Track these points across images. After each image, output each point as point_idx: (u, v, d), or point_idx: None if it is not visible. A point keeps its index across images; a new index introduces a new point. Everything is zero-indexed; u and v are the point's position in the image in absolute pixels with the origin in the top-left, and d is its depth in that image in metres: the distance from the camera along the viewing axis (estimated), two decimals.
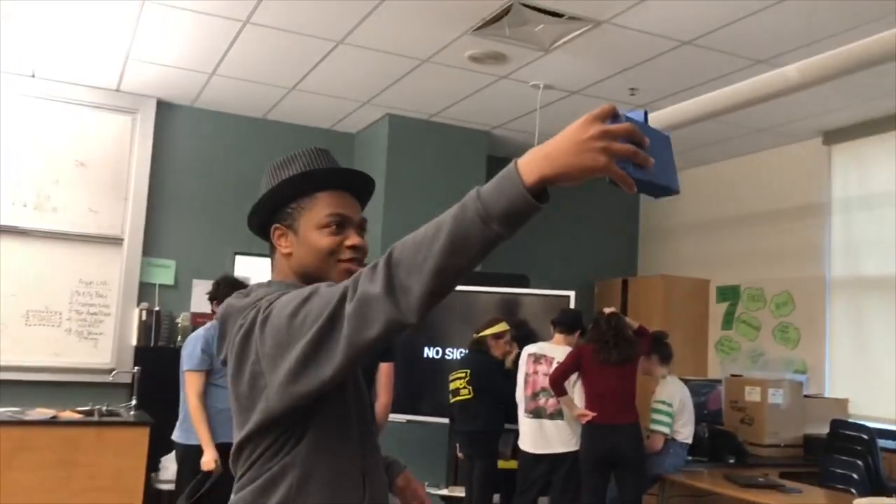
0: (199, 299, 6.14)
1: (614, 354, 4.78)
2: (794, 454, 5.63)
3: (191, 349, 4.46)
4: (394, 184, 6.32)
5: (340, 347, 1.27)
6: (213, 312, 4.54)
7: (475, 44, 4.80)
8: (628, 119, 1.16)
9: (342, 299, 1.27)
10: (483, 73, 5.31)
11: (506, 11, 4.30)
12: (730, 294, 6.97)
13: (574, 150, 1.12)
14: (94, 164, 6.13)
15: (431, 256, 1.18)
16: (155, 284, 6.22)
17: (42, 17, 4.79)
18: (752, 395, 5.75)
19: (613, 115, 1.15)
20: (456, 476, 5.86)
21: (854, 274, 5.95)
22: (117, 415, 5.31)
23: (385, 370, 4.26)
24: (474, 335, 5.25)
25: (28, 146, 5.94)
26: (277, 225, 1.57)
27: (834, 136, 6.13)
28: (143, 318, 6.05)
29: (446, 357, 5.97)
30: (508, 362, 5.23)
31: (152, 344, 6.03)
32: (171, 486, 5.17)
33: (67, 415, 5.04)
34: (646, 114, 1.18)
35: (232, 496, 1.49)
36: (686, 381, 5.33)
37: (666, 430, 4.90)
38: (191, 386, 4.39)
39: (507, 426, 5.24)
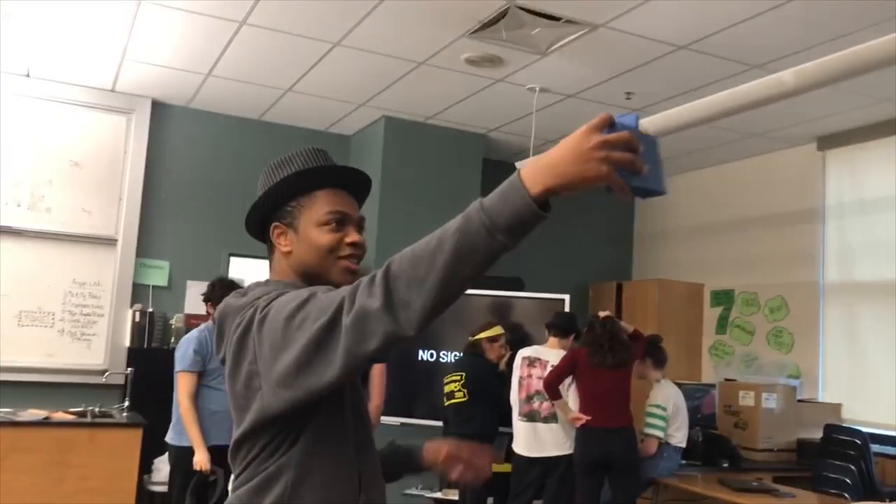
0: (193, 301, 6.12)
1: (609, 358, 4.78)
2: (788, 459, 5.64)
3: (183, 350, 4.44)
4: (389, 186, 6.32)
5: (338, 357, 1.27)
6: (208, 314, 4.52)
7: (472, 46, 4.80)
8: (621, 125, 1.19)
9: (339, 310, 1.27)
10: (479, 76, 5.31)
11: (502, 14, 4.30)
12: (724, 298, 6.98)
13: (577, 160, 1.15)
14: (89, 164, 6.11)
15: (435, 269, 1.19)
16: (148, 285, 6.21)
17: (37, 17, 4.77)
18: (746, 399, 5.76)
19: (610, 124, 1.18)
20: (449, 479, 5.85)
21: (848, 279, 5.96)
22: (110, 416, 5.29)
23: (377, 371, 4.25)
24: (469, 338, 5.25)
25: (22, 146, 5.91)
26: (277, 223, 1.57)
27: (828, 142, 6.14)
28: (137, 319, 6.03)
29: (441, 360, 5.97)
30: (503, 365, 5.23)
31: (145, 345, 6.00)
32: (163, 488, 5.16)
33: (60, 416, 5.02)
34: (637, 118, 1.21)
35: (230, 495, 1.50)
36: (680, 385, 5.33)
37: (660, 433, 4.91)
38: (182, 387, 4.37)
39: (501, 429, 5.24)
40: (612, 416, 4.73)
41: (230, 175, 6.41)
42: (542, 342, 5.22)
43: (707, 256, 7.20)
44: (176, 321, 6.15)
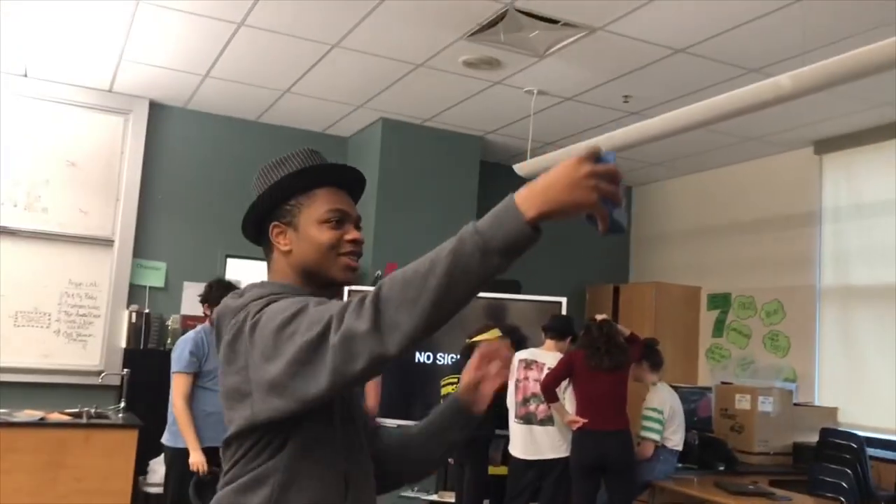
0: (190, 302, 6.12)
1: (606, 361, 4.78)
2: (784, 462, 5.65)
3: (179, 352, 4.44)
4: (387, 188, 6.32)
5: (324, 375, 1.29)
6: (206, 315, 4.52)
7: (470, 49, 4.81)
8: (604, 158, 1.27)
9: (327, 327, 1.29)
10: (477, 79, 5.32)
11: (501, 17, 4.31)
12: (721, 302, 6.99)
13: (569, 188, 1.21)
14: (86, 164, 6.10)
15: (427, 290, 1.21)
16: (145, 286, 6.20)
17: (35, 16, 4.77)
18: (742, 402, 5.76)
19: (598, 156, 1.25)
20: (446, 481, 5.85)
21: (844, 283, 5.97)
22: (106, 417, 5.28)
23: None
24: (467, 341, 5.24)
25: (19, 145, 5.91)
26: (276, 223, 1.58)
27: (825, 146, 6.15)
28: (133, 320, 6.02)
29: (438, 362, 5.96)
30: None
31: (142, 346, 6.00)
32: (159, 489, 5.14)
33: (55, 417, 5.01)
34: (615, 155, 1.30)
35: (217, 492, 1.50)
36: (676, 389, 5.34)
37: (656, 436, 4.91)
38: (177, 388, 4.37)
39: (497, 432, 5.23)
40: (608, 418, 4.74)
41: (227, 176, 6.40)
42: (538, 345, 5.22)
43: (704, 260, 7.21)
44: (172, 322, 6.14)
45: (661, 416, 4.93)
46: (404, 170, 6.41)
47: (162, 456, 4.74)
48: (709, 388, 6.23)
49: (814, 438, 5.43)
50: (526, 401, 5.01)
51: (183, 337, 4.58)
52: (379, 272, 6.15)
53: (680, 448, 5.06)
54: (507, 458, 5.24)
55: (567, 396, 4.93)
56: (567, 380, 4.91)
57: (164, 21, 4.70)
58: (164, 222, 6.32)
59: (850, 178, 6.02)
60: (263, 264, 1.65)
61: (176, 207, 6.36)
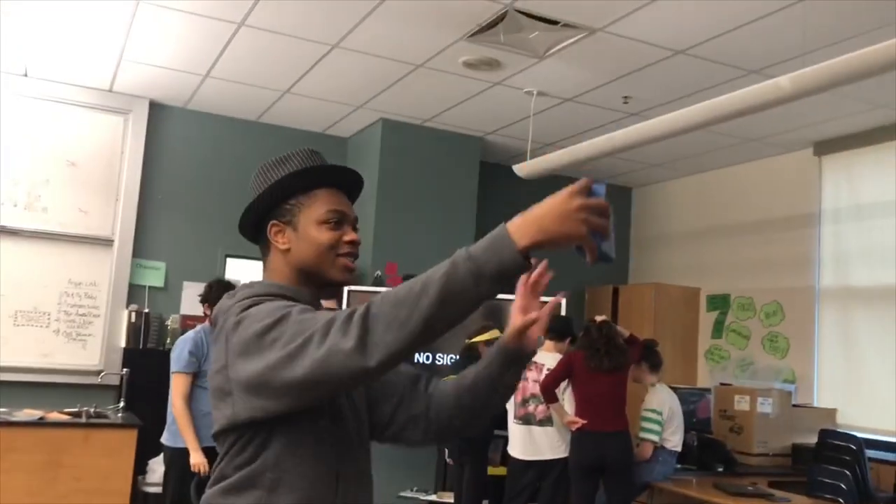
0: (189, 301, 6.12)
1: (605, 362, 4.78)
2: (783, 463, 5.65)
3: (179, 351, 4.44)
4: (386, 188, 6.32)
5: (303, 385, 1.32)
6: (205, 315, 4.52)
7: (469, 50, 4.81)
8: (594, 191, 1.32)
9: (309, 340, 1.31)
10: (477, 79, 5.32)
11: (501, 18, 4.31)
12: (720, 303, 6.99)
13: (561, 219, 1.26)
14: (86, 164, 6.10)
15: (418, 311, 1.25)
16: (145, 286, 6.20)
17: (36, 16, 4.77)
18: (742, 403, 5.77)
19: (590, 189, 1.30)
20: (445, 482, 5.85)
21: (843, 284, 5.97)
22: (105, 417, 5.28)
23: None
24: (466, 341, 5.24)
25: (19, 145, 5.91)
26: (275, 221, 1.59)
27: (825, 147, 6.16)
28: (133, 319, 6.02)
29: (437, 362, 5.97)
30: None
31: (141, 346, 6.00)
32: (158, 489, 5.14)
33: (55, 416, 5.01)
34: (605, 187, 1.34)
35: (207, 488, 1.52)
36: (675, 390, 5.34)
37: (655, 437, 4.91)
38: (176, 388, 4.36)
39: (496, 432, 5.24)
40: (607, 419, 4.74)
41: (227, 176, 6.40)
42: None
43: (703, 261, 7.21)
44: (172, 322, 6.14)
45: (660, 417, 4.93)
46: (404, 170, 6.41)
47: (161, 455, 4.74)
48: (708, 390, 6.23)
49: (813, 440, 5.43)
50: (525, 401, 5.01)
51: (182, 337, 4.58)
52: (378, 272, 6.16)
53: (679, 449, 5.06)
54: (505, 459, 5.24)
55: (566, 397, 4.94)
56: (566, 381, 4.91)
57: (165, 21, 4.70)
58: (163, 222, 6.32)
59: (850, 179, 6.02)
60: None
61: (176, 207, 6.37)
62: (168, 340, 5.98)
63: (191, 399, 4.34)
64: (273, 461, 1.43)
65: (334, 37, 4.77)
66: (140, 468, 5.25)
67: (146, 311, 6.09)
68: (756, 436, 5.64)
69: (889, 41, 3.26)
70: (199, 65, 5.43)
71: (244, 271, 6.23)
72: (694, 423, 5.77)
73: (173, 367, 4.43)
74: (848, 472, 4.91)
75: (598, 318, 5.04)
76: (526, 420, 5.00)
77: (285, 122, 6.64)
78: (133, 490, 4.97)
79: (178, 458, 4.38)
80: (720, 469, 5.34)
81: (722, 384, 6.31)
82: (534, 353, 1.59)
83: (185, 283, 6.27)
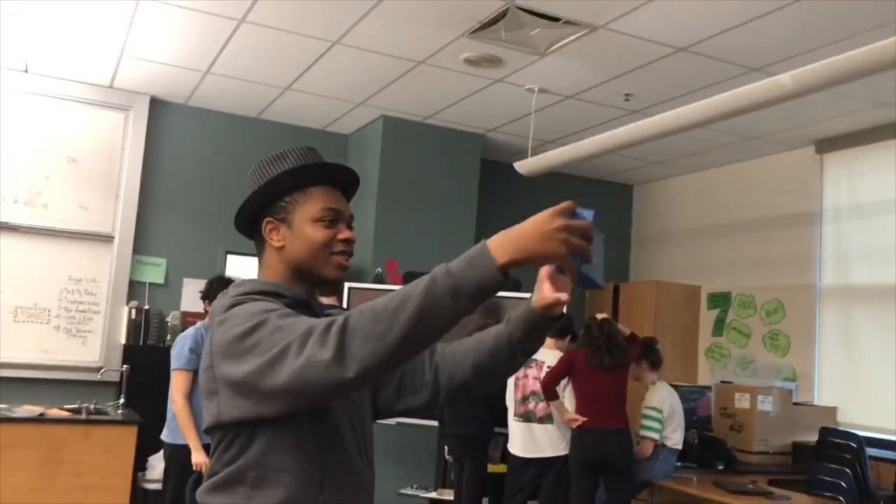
0: (190, 298, 6.12)
1: (607, 360, 4.78)
2: (783, 461, 5.65)
3: (179, 348, 4.44)
4: (387, 186, 6.31)
5: (285, 393, 1.32)
6: (206, 311, 4.52)
7: (471, 46, 4.80)
8: (579, 214, 1.33)
9: (287, 349, 1.31)
10: (478, 76, 5.31)
11: (502, 15, 4.30)
12: (721, 301, 6.98)
13: (540, 239, 1.28)
14: (86, 160, 6.10)
15: (396, 325, 1.25)
16: (145, 283, 6.20)
17: (36, 12, 4.76)
18: (742, 401, 5.76)
19: (573, 211, 1.32)
20: (445, 479, 5.85)
21: (844, 283, 5.97)
22: (105, 413, 5.28)
23: None
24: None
25: (19, 141, 5.90)
26: (270, 219, 1.59)
27: (826, 145, 6.15)
28: (133, 316, 6.02)
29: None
30: None
31: (141, 342, 6.00)
32: (157, 486, 5.15)
33: (55, 412, 5.01)
34: (594, 213, 1.35)
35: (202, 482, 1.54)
36: (676, 387, 5.34)
37: (655, 435, 4.91)
38: (177, 385, 4.36)
39: (497, 430, 5.24)
40: (608, 417, 4.74)
41: (228, 173, 6.40)
42: None
43: (704, 259, 7.20)
44: (172, 319, 6.14)
45: (661, 414, 4.94)
46: (405, 167, 6.41)
47: (161, 452, 4.74)
48: (708, 387, 6.23)
49: (813, 438, 5.43)
50: (525, 399, 5.01)
51: (183, 333, 4.58)
52: (379, 269, 6.15)
53: (679, 447, 5.06)
54: (505, 456, 5.24)
55: (566, 395, 4.94)
56: (566, 378, 4.91)
57: (166, 17, 4.69)
58: (164, 218, 6.31)
59: (852, 177, 6.02)
60: None
61: (176, 204, 6.36)
62: (168, 337, 5.98)
63: (192, 396, 4.33)
64: (256, 458, 1.44)
65: (335, 33, 4.76)
66: (140, 465, 5.25)
67: (146, 307, 6.09)
68: (756, 434, 5.64)
69: (890, 39, 3.26)
70: (200, 61, 5.42)
71: (245, 268, 6.23)
72: (694, 421, 5.77)
73: (174, 364, 4.42)
74: (848, 471, 4.91)
75: (599, 316, 5.04)
76: (526, 417, 5.00)
77: (286, 118, 6.63)
78: (133, 486, 4.97)
79: (177, 454, 4.38)
80: (720, 467, 5.34)
81: (722, 382, 6.30)
82: (561, 316, 1.54)
83: (186, 280, 6.27)
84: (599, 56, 4.81)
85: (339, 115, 6.46)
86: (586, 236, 1.31)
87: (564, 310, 1.55)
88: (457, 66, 5.12)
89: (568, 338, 5.14)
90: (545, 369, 4.92)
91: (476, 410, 5.07)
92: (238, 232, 1.67)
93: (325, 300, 3.54)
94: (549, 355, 5.01)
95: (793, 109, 5.24)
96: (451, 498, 5.37)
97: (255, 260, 1.66)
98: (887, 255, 5.59)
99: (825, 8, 3.97)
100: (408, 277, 5.75)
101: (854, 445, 5.10)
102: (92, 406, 5.30)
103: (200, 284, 4.65)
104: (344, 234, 1.58)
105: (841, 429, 5.49)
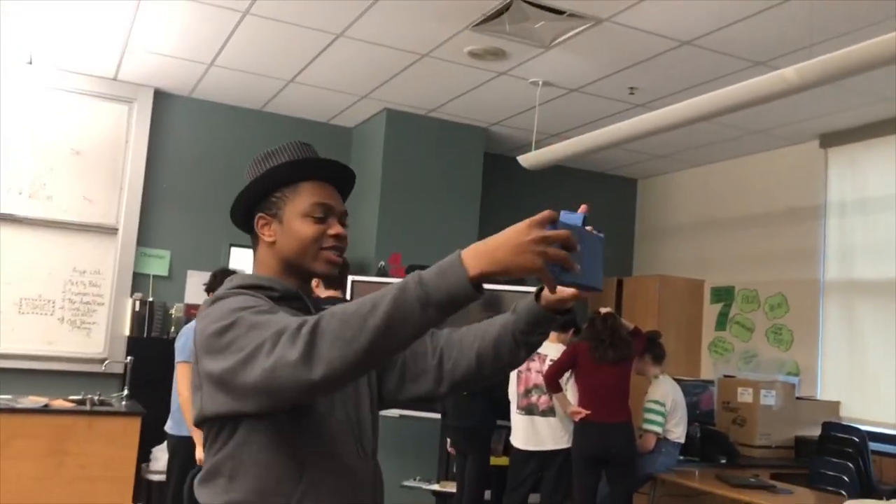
0: (194, 290, 6.13)
1: (610, 353, 4.78)
2: (786, 455, 5.65)
3: (184, 341, 4.45)
4: (390, 179, 6.31)
5: (254, 393, 1.32)
6: None
7: (475, 39, 4.79)
8: (564, 224, 1.29)
9: (259, 349, 1.31)
10: (482, 69, 5.30)
11: (506, 7, 4.29)
12: (724, 295, 6.98)
13: (515, 251, 1.24)
14: (90, 152, 6.11)
15: (364, 332, 1.24)
16: (149, 275, 6.21)
17: (40, 4, 4.76)
18: (745, 395, 5.76)
19: (552, 221, 1.27)
20: (447, 471, 5.86)
21: (848, 277, 5.96)
22: (109, 404, 5.29)
23: None
24: None
25: (24, 134, 5.91)
26: (261, 214, 1.60)
27: (830, 140, 6.13)
28: (137, 308, 6.04)
29: None
30: None
31: (145, 334, 6.01)
32: (161, 477, 5.17)
33: (59, 403, 5.02)
34: (584, 217, 1.32)
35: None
36: (679, 381, 5.34)
37: (658, 429, 4.91)
38: (182, 378, 4.37)
39: (499, 423, 5.24)
40: (612, 410, 4.74)
41: (232, 165, 6.39)
42: None
43: (708, 253, 7.20)
44: (176, 311, 6.16)
45: (664, 408, 4.94)
46: (408, 161, 6.40)
47: (165, 443, 4.76)
48: (711, 382, 6.24)
49: (816, 432, 5.43)
50: (528, 392, 5.02)
51: (187, 326, 4.60)
52: (382, 263, 6.16)
53: (682, 441, 5.06)
54: (508, 449, 5.25)
55: (569, 388, 4.94)
56: (569, 371, 4.91)
57: (170, 9, 4.69)
58: (168, 211, 6.32)
59: (856, 172, 6.00)
60: None
61: (180, 196, 6.37)
62: (172, 329, 6.00)
63: None
64: (234, 451, 1.45)
65: (339, 26, 4.76)
66: (144, 456, 5.27)
67: (150, 299, 6.10)
68: (759, 428, 5.64)
69: (895, 33, 3.25)
70: (204, 53, 5.42)
71: (248, 261, 6.22)
72: (697, 414, 5.77)
73: (178, 356, 4.44)
74: (851, 465, 4.92)
75: (603, 310, 5.04)
76: (529, 410, 5.01)
77: (289, 111, 6.63)
78: (137, 477, 4.99)
79: (181, 446, 4.39)
80: (723, 461, 5.35)
81: (725, 376, 6.31)
82: (567, 311, 1.53)
83: (190, 272, 6.28)
84: (604, 49, 4.80)
85: (343, 108, 6.46)
86: (567, 245, 1.27)
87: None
88: (461, 58, 5.12)
89: (571, 331, 5.14)
90: (548, 363, 4.93)
91: (479, 403, 5.08)
92: (235, 226, 1.68)
93: (328, 293, 3.55)
94: (552, 349, 5.01)
95: (797, 104, 5.22)
96: (454, 490, 5.39)
97: None
98: (891, 250, 5.58)
99: (830, 2, 3.96)
100: (411, 271, 5.76)
101: (857, 440, 5.10)
102: (96, 397, 5.31)
103: (204, 277, 4.66)
104: (334, 229, 1.58)
105: (843, 423, 5.49)
